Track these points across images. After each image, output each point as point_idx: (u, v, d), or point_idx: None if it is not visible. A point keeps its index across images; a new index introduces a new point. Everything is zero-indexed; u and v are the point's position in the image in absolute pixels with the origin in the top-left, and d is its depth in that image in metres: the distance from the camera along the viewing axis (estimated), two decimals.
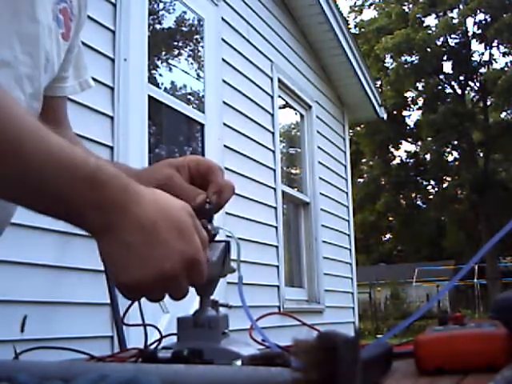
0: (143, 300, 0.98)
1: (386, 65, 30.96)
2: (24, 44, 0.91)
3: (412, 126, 32.94)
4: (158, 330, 1.05)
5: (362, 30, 31.69)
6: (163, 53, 4.70)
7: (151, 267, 0.70)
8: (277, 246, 5.41)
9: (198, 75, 4.77)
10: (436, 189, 33.74)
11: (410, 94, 32.15)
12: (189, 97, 4.75)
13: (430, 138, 30.49)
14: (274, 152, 5.59)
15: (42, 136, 0.68)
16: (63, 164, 0.67)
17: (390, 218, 34.42)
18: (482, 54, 31.48)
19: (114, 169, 0.72)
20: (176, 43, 4.94)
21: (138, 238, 0.70)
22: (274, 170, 5.55)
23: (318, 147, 6.76)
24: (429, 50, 28.92)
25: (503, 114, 30.94)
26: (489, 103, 30.38)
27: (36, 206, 0.70)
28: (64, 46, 1.03)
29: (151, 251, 0.71)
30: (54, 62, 1.00)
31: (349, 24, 28.05)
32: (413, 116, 59.15)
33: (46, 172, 0.66)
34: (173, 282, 0.72)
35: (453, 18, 30.44)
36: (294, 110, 6.58)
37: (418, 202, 34.51)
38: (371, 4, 33.57)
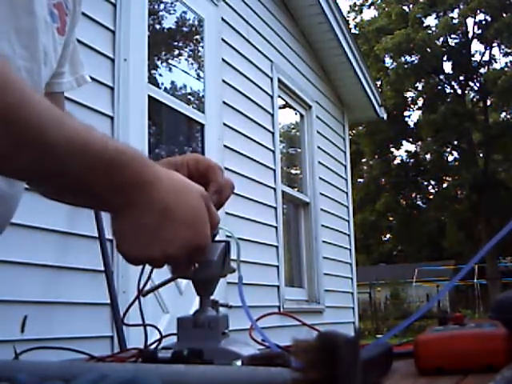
0: (143, 300, 0.97)
1: (386, 65, 30.97)
2: (21, 37, 0.91)
3: (412, 126, 32.95)
4: (158, 330, 1.05)
5: (362, 30, 31.69)
6: (163, 53, 4.70)
7: (156, 249, 0.75)
8: (277, 246, 5.41)
9: (198, 75, 4.77)
10: (436, 189, 33.75)
11: (410, 94, 32.18)
12: (189, 97, 4.75)
13: (429, 138, 30.50)
14: (273, 152, 5.59)
15: (61, 123, 0.69)
16: (83, 150, 0.69)
17: (390, 218, 34.42)
18: (483, 54, 31.50)
19: (132, 151, 0.75)
20: (176, 43, 4.94)
21: (151, 219, 0.74)
22: (274, 170, 5.55)
23: (318, 147, 6.76)
24: (429, 50, 28.92)
25: (503, 114, 30.96)
26: (489, 103, 30.39)
27: (56, 188, 0.75)
28: (60, 41, 1.03)
29: (160, 234, 0.74)
30: (52, 56, 1.00)
31: (349, 24, 28.04)
32: (413, 116, 59.23)
33: (66, 159, 0.68)
34: (174, 262, 0.78)
35: (453, 18, 30.46)
36: (294, 110, 6.58)
37: (418, 202, 34.52)
38: (371, 4, 33.58)
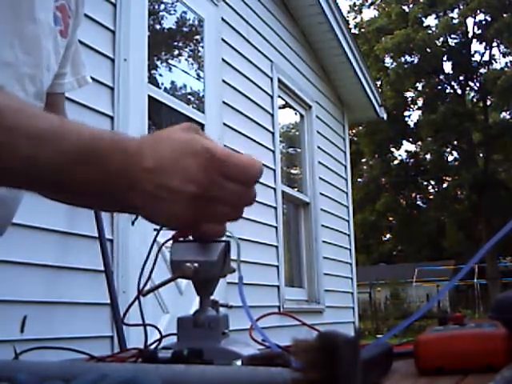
0: (143, 300, 0.97)
1: (386, 65, 30.97)
2: (24, 44, 0.91)
3: (412, 126, 32.96)
4: (158, 329, 1.05)
5: (362, 30, 31.69)
6: (163, 53, 4.70)
7: (180, 201, 0.70)
8: (277, 246, 5.41)
9: (198, 75, 4.77)
10: (436, 189, 33.76)
11: (409, 94, 32.19)
12: (189, 97, 4.75)
13: (430, 138, 30.50)
14: (274, 152, 5.59)
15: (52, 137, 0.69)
16: (70, 157, 0.69)
17: (390, 218, 34.42)
18: (482, 54, 31.49)
19: (107, 135, 0.73)
20: (176, 43, 4.94)
21: (154, 185, 0.70)
22: (274, 170, 5.55)
23: (318, 147, 6.76)
24: (429, 50, 28.92)
25: (503, 114, 30.97)
26: (489, 103, 30.39)
27: (54, 194, 0.76)
28: (62, 43, 1.03)
29: (170, 188, 0.70)
30: (53, 60, 1.01)
31: (349, 24, 28.04)
32: (413, 116, 59.22)
33: (57, 167, 0.69)
34: (214, 191, 0.71)
35: (453, 18, 30.46)
36: (294, 110, 6.58)
37: (418, 202, 34.52)
38: (371, 4, 33.59)
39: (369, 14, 70.05)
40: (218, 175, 0.70)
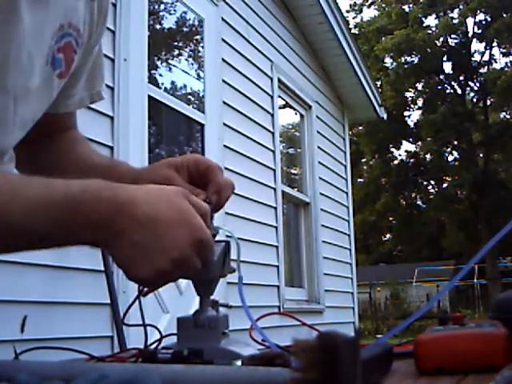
0: (143, 300, 0.97)
1: (386, 65, 30.97)
2: None
3: (412, 126, 32.96)
4: (158, 330, 1.05)
5: (362, 30, 31.69)
6: (163, 53, 4.70)
7: (162, 259, 0.74)
8: (277, 246, 5.41)
9: (198, 75, 4.77)
10: (436, 189, 33.76)
11: (409, 94, 32.18)
12: (189, 97, 4.75)
13: (429, 138, 30.50)
14: (274, 152, 5.59)
15: (13, 197, 0.71)
16: (45, 213, 0.72)
17: (390, 218, 34.42)
18: (482, 54, 31.49)
19: (96, 183, 0.75)
20: (176, 43, 4.94)
21: (142, 236, 0.73)
22: (274, 170, 5.55)
23: (318, 147, 6.76)
24: (429, 50, 28.92)
25: (503, 114, 30.97)
26: (489, 103, 30.39)
27: (36, 248, 0.83)
28: (59, 84, 0.97)
29: (157, 244, 0.74)
30: (33, 114, 0.94)
31: (349, 24, 28.04)
32: (413, 116, 59.22)
33: (37, 229, 0.74)
34: (186, 264, 0.76)
35: (453, 18, 30.46)
36: (294, 110, 6.58)
37: (418, 202, 34.52)
38: (371, 4, 33.59)
39: (368, 13, 69.97)
40: (197, 255, 0.76)
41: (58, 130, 1.10)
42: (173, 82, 4.59)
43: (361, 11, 34.12)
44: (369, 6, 34.01)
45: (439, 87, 31.43)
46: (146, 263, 0.74)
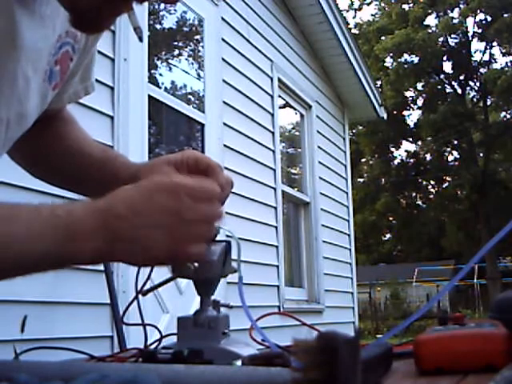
0: (143, 300, 0.97)
1: (386, 65, 30.96)
2: None
3: (412, 125, 32.95)
4: (158, 329, 1.05)
5: (363, 30, 31.69)
6: (163, 53, 4.70)
7: (159, 233, 0.73)
8: (277, 246, 5.41)
9: (198, 75, 4.77)
10: (436, 189, 33.75)
11: (410, 94, 32.18)
12: (189, 97, 4.75)
13: (429, 138, 30.50)
14: (274, 152, 5.59)
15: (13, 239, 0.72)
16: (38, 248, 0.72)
17: (390, 218, 34.42)
18: (483, 53, 31.49)
19: (79, 205, 0.74)
20: (176, 43, 4.94)
21: (132, 228, 0.73)
22: (274, 170, 5.55)
23: (318, 147, 6.76)
24: (429, 50, 28.91)
25: (503, 114, 30.96)
26: (489, 103, 30.39)
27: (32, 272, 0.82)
28: (53, 94, 0.96)
29: (148, 223, 0.73)
30: (32, 117, 0.94)
31: (349, 24, 28.02)
32: (413, 116, 59.19)
33: (29, 259, 0.76)
34: (185, 220, 0.75)
35: (453, 17, 30.45)
36: (294, 109, 6.58)
37: (418, 202, 34.51)
38: (370, 2, 33.59)
39: (368, 11, 69.88)
40: (188, 199, 0.74)
41: (49, 118, 1.09)
42: (173, 82, 4.59)
43: (360, 9, 34.10)
44: (368, 5, 34.02)
45: (439, 87, 31.42)
46: (147, 251, 0.74)
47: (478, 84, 30.90)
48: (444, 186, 32.85)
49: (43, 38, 0.86)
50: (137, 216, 0.73)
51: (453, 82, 31.00)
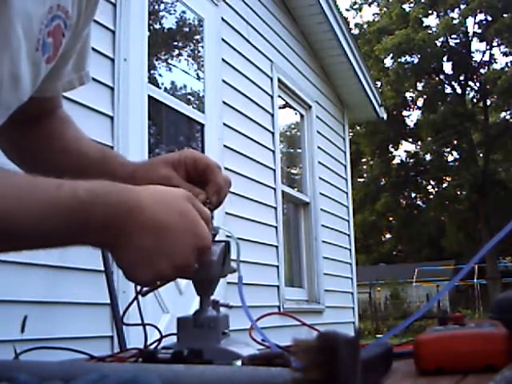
0: (143, 300, 0.97)
1: (386, 65, 30.96)
2: None
3: (412, 126, 32.95)
4: (158, 329, 1.05)
5: (363, 30, 31.69)
6: (163, 53, 4.70)
7: (165, 265, 0.75)
8: (277, 246, 5.41)
9: (197, 75, 4.77)
10: (436, 189, 33.74)
11: (409, 94, 32.17)
12: (189, 97, 4.75)
13: (430, 138, 30.49)
14: (273, 152, 5.59)
15: (22, 203, 0.71)
16: (55, 222, 0.73)
17: (390, 218, 34.41)
18: (483, 54, 31.49)
19: (104, 185, 0.75)
20: (176, 43, 4.94)
21: (149, 240, 0.74)
22: (274, 170, 5.55)
23: (318, 147, 6.76)
24: (429, 50, 28.91)
25: (503, 114, 30.96)
26: (489, 103, 30.39)
27: (41, 248, 0.83)
28: (47, 69, 0.94)
29: (163, 250, 0.75)
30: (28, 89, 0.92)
31: (349, 24, 28.02)
32: (413, 116, 59.18)
33: (41, 234, 0.76)
34: (187, 270, 0.78)
35: (453, 18, 30.45)
36: (294, 110, 6.58)
37: (418, 202, 34.50)
38: (371, 3, 33.58)
39: (368, 11, 69.92)
40: (197, 261, 0.78)
41: (45, 112, 1.08)
42: (173, 82, 4.59)
43: (360, 10, 34.10)
44: (369, 5, 34.01)
45: (439, 87, 31.41)
46: (148, 267, 0.76)
47: (477, 84, 30.90)
48: (444, 186, 32.84)
49: (34, 2, 0.85)
50: (160, 240, 0.75)
51: (453, 83, 31.00)
